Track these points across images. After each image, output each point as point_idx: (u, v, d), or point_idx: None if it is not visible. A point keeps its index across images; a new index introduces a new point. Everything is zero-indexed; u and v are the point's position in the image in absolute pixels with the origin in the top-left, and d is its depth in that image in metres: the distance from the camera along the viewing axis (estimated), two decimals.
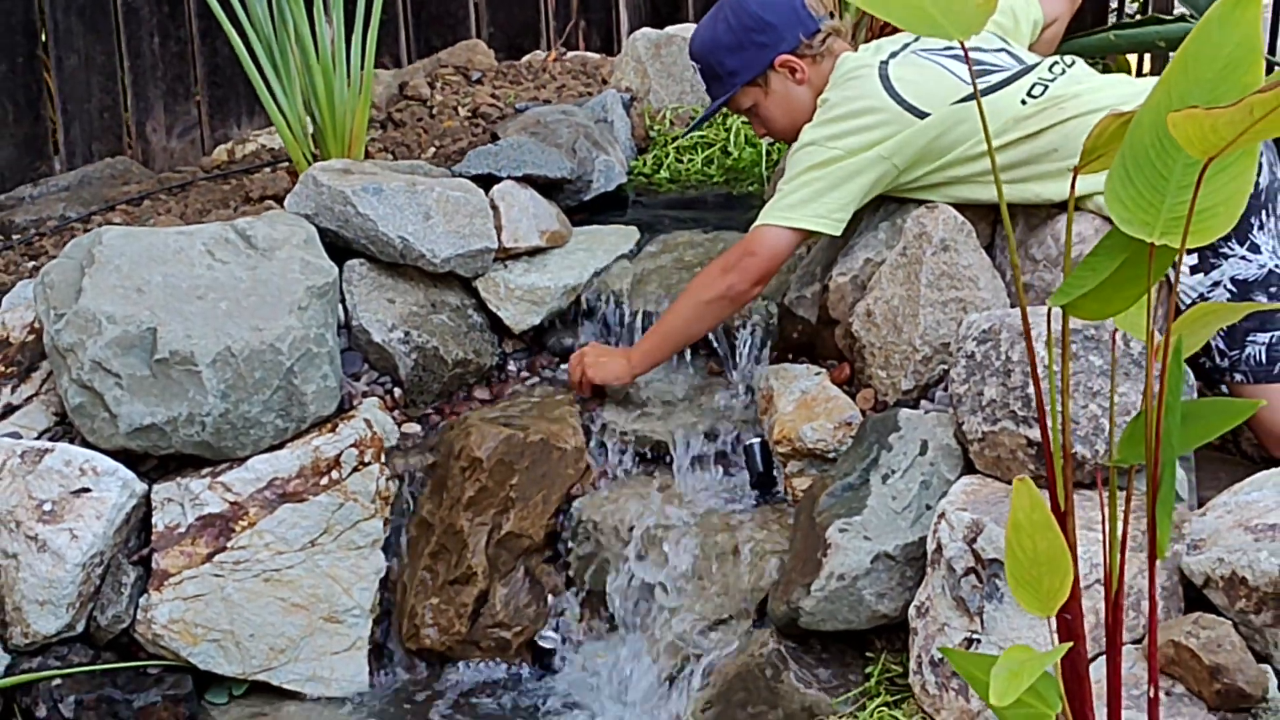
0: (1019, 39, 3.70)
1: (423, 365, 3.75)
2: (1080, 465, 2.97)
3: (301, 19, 4.03)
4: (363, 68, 4.16)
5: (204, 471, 3.51)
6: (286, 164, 4.39)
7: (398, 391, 3.78)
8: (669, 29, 4.76)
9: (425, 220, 3.74)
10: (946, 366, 3.35)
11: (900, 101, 3.37)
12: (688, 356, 3.78)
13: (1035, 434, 2.97)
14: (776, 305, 3.68)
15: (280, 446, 3.55)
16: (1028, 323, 2.38)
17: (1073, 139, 3.29)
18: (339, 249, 3.78)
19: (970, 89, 3.36)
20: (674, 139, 4.44)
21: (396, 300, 3.78)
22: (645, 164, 4.45)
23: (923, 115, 3.36)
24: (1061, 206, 3.35)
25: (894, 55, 3.49)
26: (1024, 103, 3.36)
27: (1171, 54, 3.92)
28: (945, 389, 3.33)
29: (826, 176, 3.37)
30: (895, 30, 3.83)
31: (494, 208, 3.87)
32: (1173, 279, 2.90)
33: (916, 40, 3.54)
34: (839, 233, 3.42)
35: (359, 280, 3.78)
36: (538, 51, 5.28)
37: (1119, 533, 2.31)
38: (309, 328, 3.55)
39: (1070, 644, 2.30)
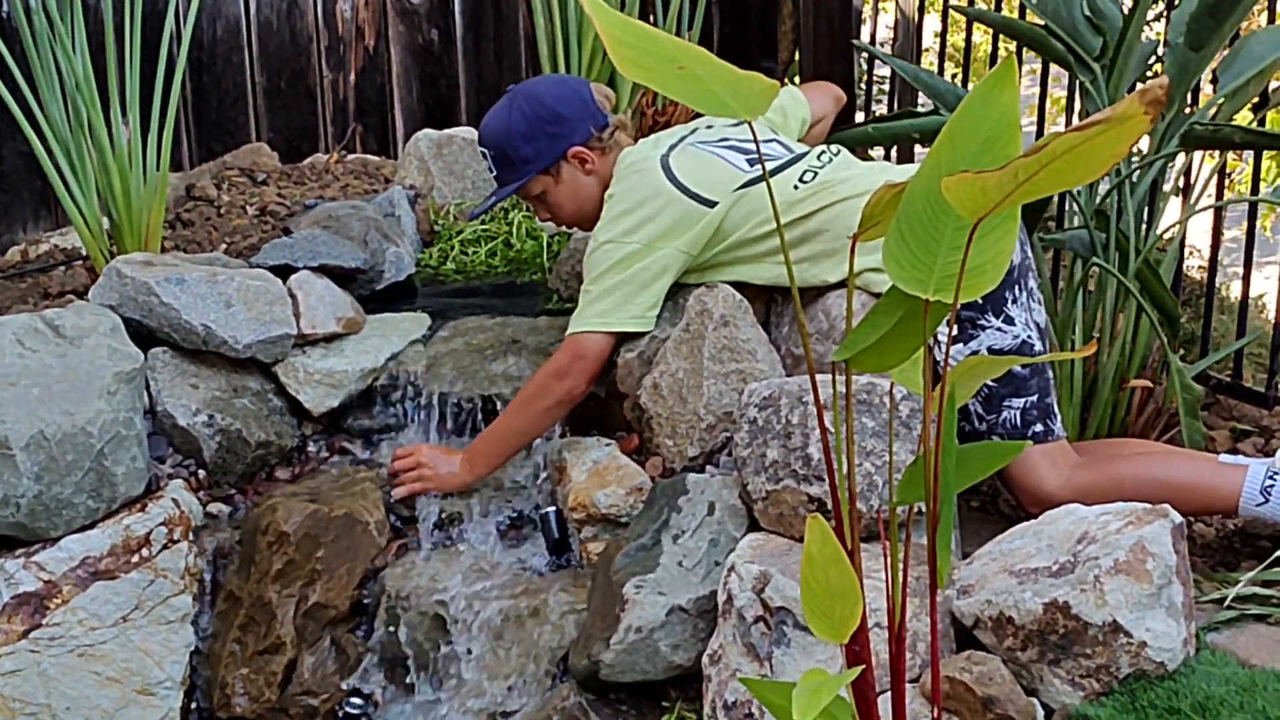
0: (788, 134, 3.93)
1: (226, 447, 3.82)
2: (858, 519, 3.13)
3: (98, 119, 4.10)
4: (158, 167, 4.23)
5: (18, 552, 3.53)
6: (83, 260, 4.43)
7: (202, 473, 3.83)
8: (448, 130, 4.92)
9: (227, 308, 3.82)
10: (729, 433, 3.52)
11: (686, 191, 3.55)
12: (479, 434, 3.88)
13: (815, 490, 3.13)
14: None
15: (92, 526, 3.59)
16: (815, 380, 2.54)
17: (841, 220, 3.50)
18: (143, 337, 3.84)
19: (746, 176, 3.57)
20: (459, 232, 4.58)
21: (200, 385, 3.85)
22: (432, 256, 4.58)
23: (709, 203, 3.55)
24: (834, 285, 3.55)
25: (673, 148, 3.67)
26: (796, 188, 3.56)
27: (924, 146, 4.17)
28: (729, 454, 3.49)
29: (633, 278, 3.54)
30: (669, 124, 4.04)
31: (292, 296, 3.96)
32: (945, 340, 3.09)
33: (693, 133, 3.73)
34: (653, 328, 3.60)
35: (163, 367, 3.84)
36: (319, 154, 5.39)
37: (899, 574, 2.48)
38: (118, 411, 3.60)
39: (862, 666, 2.46)
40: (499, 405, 3.83)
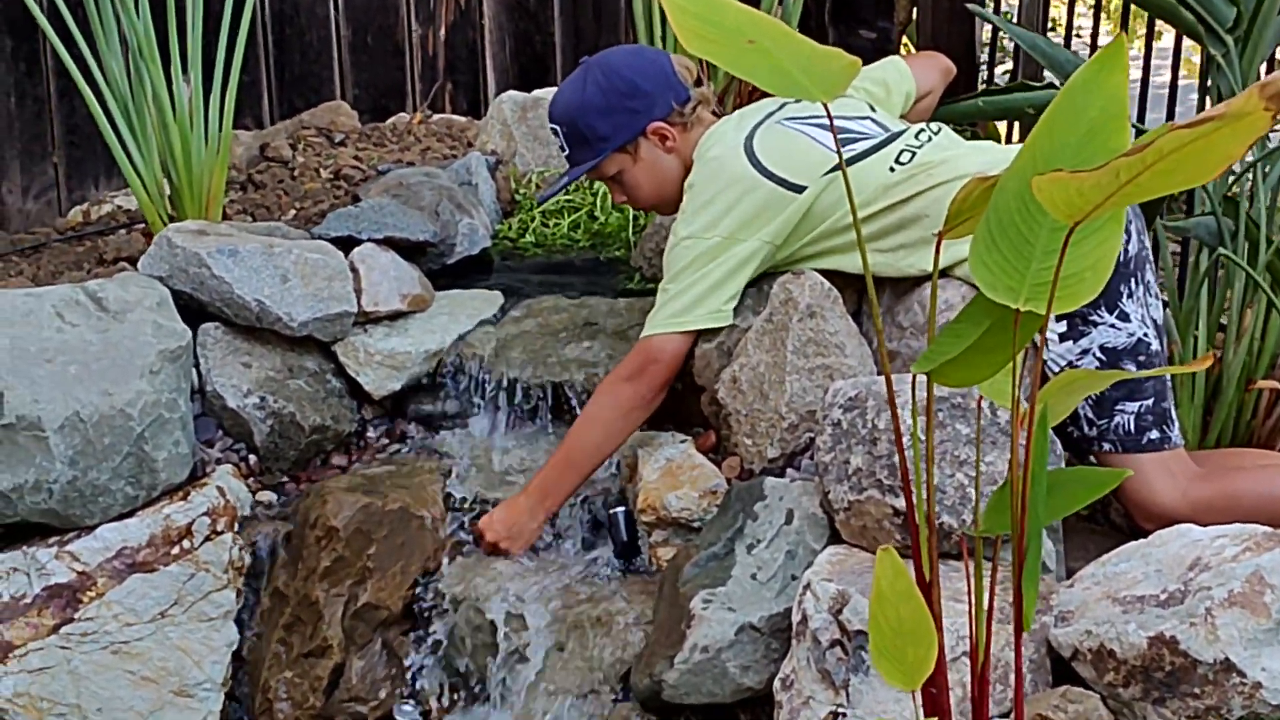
0: (890, 109, 3.70)
1: (279, 432, 3.67)
2: (947, 536, 2.94)
3: (159, 78, 3.95)
4: (221, 128, 4.07)
5: (50, 540, 3.40)
6: (142, 225, 4.29)
7: (253, 459, 3.69)
8: (535, 92, 4.73)
9: (283, 283, 3.66)
10: (813, 434, 3.32)
11: (770, 176, 3.34)
12: (548, 424, 3.71)
13: (902, 503, 2.93)
14: None
15: (130, 515, 3.44)
16: (892, 390, 2.34)
17: (941, 205, 3.26)
18: (193, 312, 3.69)
19: (837, 157, 3.34)
20: (540, 203, 4.38)
21: (252, 365, 3.70)
22: (510, 228, 4.40)
23: (796, 188, 3.34)
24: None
25: (758, 126, 3.46)
26: (892, 170, 3.34)
27: None
28: (811, 457, 3.29)
29: (712, 271, 3.35)
30: (764, 94, 3.82)
31: (354, 270, 3.80)
32: (1039, 344, 2.88)
33: (781, 109, 3.52)
34: (731, 321, 3.40)
35: (214, 344, 3.69)
36: (402, 114, 5.22)
37: (985, 604, 2.27)
38: (161, 393, 3.46)
39: (935, 719, 2.26)
40: (570, 393, 3.66)
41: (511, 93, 4.69)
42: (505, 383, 3.73)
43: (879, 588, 2.24)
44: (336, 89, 5.44)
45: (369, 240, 3.87)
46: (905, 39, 5.84)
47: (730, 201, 3.33)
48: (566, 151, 3.61)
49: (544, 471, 3.45)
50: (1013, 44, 5.80)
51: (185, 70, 4.03)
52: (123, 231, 4.36)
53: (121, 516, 3.44)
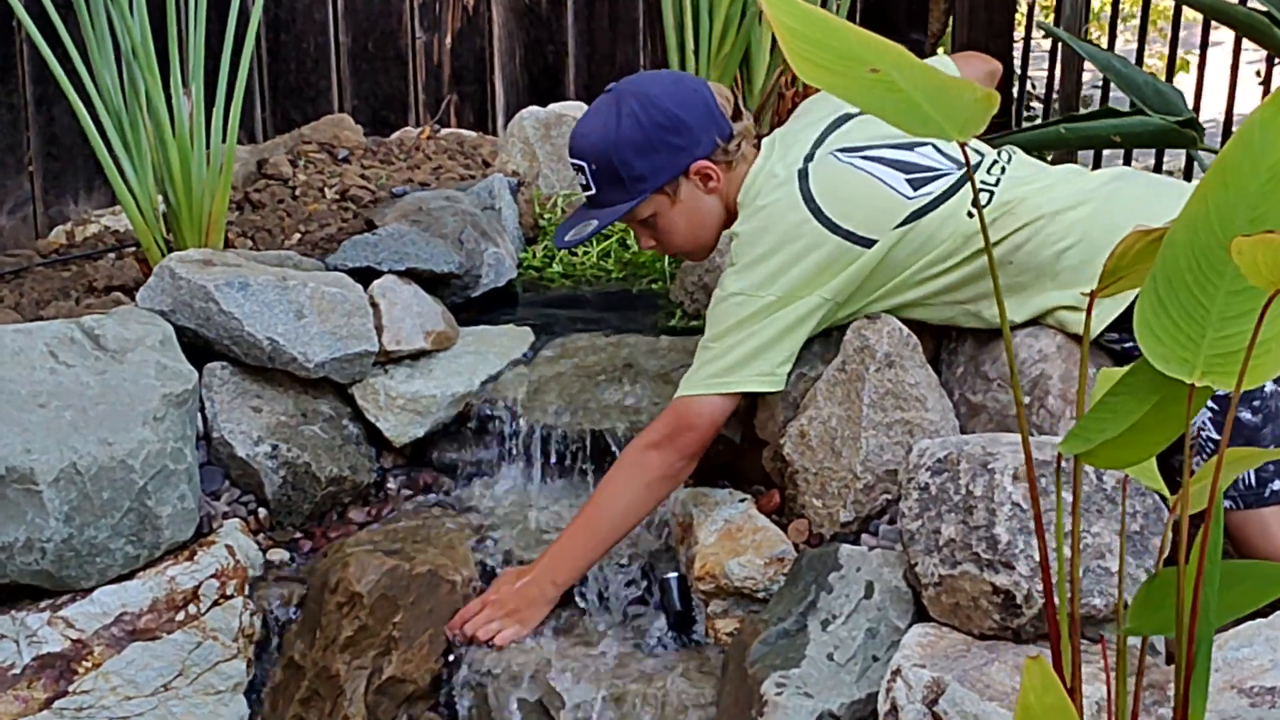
0: None
1: (292, 483, 3.41)
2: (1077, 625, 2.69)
3: (156, 88, 3.68)
4: (224, 143, 3.80)
5: (43, 604, 3.13)
6: (134, 248, 4.02)
7: (263, 512, 3.43)
8: (556, 107, 4.48)
9: (298, 319, 3.40)
10: (891, 496, 3.08)
11: (836, 229, 3.06)
12: (589, 475, 3.45)
13: (1001, 579, 2.70)
14: None
15: (130, 576, 3.18)
16: (1030, 458, 2.09)
17: (1028, 250, 3.06)
18: (198, 350, 3.43)
19: (911, 205, 3.09)
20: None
21: (263, 409, 3.44)
22: (535, 256, 4.14)
23: (865, 242, 3.06)
24: (1018, 324, 3.10)
25: (810, 159, 3.17)
26: (970, 215, 3.07)
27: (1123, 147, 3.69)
28: (890, 522, 3.06)
29: (764, 329, 3.07)
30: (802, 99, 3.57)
31: (374, 305, 3.54)
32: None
33: (832, 129, 3.24)
34: (784, 387, 3.14)
35: (221, 386, 3.43)
36: (409, 128, 4.96)
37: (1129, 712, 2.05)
38: (165, 441, 3.20)
39: None
40: (611, 441, 3.41)
41: (533, 109, 4.43)
42: (540, 430, 3.48)
43: (1026, 701, 1.98)
44: (335, 99, 5.19)
45: (389, 272, 3.62)
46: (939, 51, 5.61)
47: (789, 257, 3.05)
48: (593, 191, 3.26)
49: (559, 542, 3.19)
50: (1047, 58, 5.59)
51: (186, 82, 3.77)
52: (112, 255, 4.08)
53: (121, 578, 3.18)
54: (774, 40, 4.89)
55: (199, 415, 3.39)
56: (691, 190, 3.22)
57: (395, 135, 4.85)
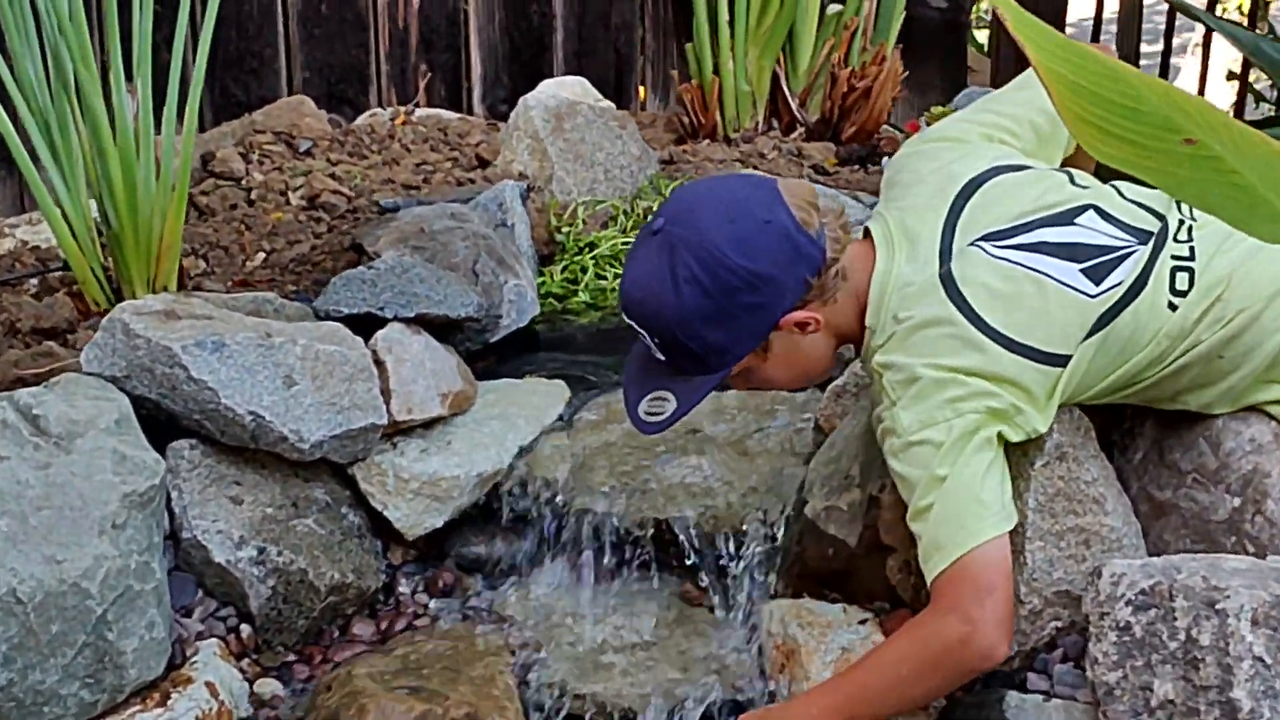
0: (1054, 150, 2.82)
1: (284, 595, 2.85)
2: None
3: (93, 86, 3.09)
4: (177, 154, 3.21)
5: None
6: (60, 269, 3.41)
7: (246, 629, 2.86)
8: (568, 93, 3.89)
9: (287, 388, 2.83)
10: (1061, 624, 2.54)
11: (1008, 344, 2.43)
12: (654, 580, 2.89)
13: None
14: (792, 513, 2.81)
15: None
16: None
17: (1242, 342, 2.49)
18: (160, 424, 2.86)
19: (1097, 305, 2.48)
20: (590, 244, 3.54)
21: (244, 499, 2.87)
22: (554, 279, 3.58)
23: (1055, 360, 2.44)
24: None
25: (947, 257, 2.54)
26: (1173, 308, 2.48)
27: None
28: (1066, 660, 2.52)
29: (987, 462, 2.44)
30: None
31: (378, 363, 2.98)
32: None
33: (955, 214, 2.60)
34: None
35: (190, 471, 2.85)
36: (377, 110, 4.35)
37: None
38: (128, 555, 2.63)
39: None
40: (681, 533, 2.89)
41: (540, 95, 3.88)
42: (590, 519, 2.96)
43: None
44: (283, 71, 4.69)
45: (395, 319, 3.02)
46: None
47: (966, 392, 2.43)
48: (663, 359, 2.62)
49: (838, 680, 2.56)
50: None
51: (129, 77, 3.18)
52: (35, 282, 3.45)
53: None
54: (822, 10, 4.35)
55: (165, 509, 2.79)
56: (787, 339, 2.60)
57: (364, 120, 4.29)
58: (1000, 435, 2.44)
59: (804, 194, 2.55)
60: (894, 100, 4.44)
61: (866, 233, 2.63)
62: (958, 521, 2.40)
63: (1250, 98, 5.65)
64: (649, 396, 2.60)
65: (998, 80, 5.81)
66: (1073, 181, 2.61)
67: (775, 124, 4.56)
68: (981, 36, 7.39)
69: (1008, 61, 5.68)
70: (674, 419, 2.58)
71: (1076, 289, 2.46)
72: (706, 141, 4.43)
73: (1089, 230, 2.53)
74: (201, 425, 2.84)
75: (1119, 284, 2.46)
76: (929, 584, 2.42)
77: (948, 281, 2.47)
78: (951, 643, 2.38)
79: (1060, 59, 1.49)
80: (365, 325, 3.04)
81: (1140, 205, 2.58)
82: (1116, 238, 2.52)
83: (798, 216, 2.50)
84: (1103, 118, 1.46)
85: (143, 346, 2.82)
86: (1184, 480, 2.62)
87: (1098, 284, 2.46)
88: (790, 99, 4.43)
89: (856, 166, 4.17)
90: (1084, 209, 2.56)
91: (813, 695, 2.51)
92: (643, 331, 2.55)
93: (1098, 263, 2.48)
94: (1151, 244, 2.51)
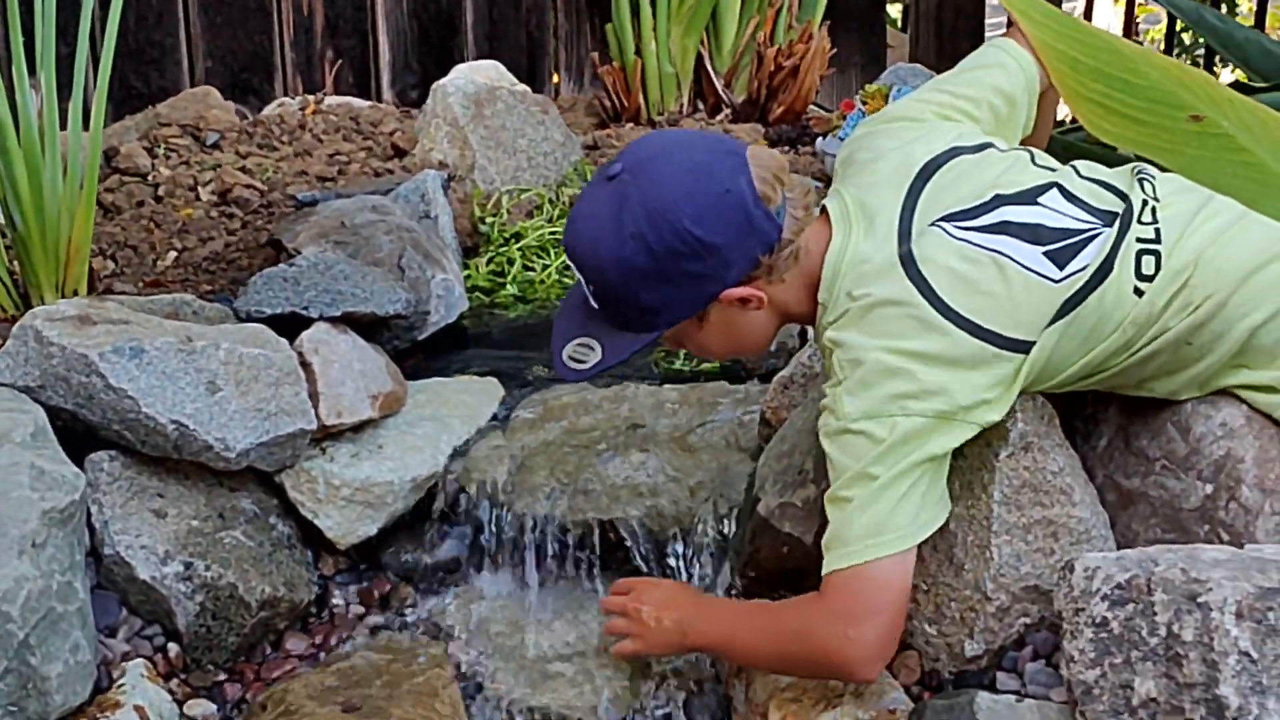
0: (1015, 125, 2.74)
1: (213, 611, 2.73)
2: None
3: None
4: (84, 152, 3.08)
5: None
6: None
7: (174, 648, 2.74)
8: (483, 78, 3.78)
9: (210, 394, 2.72)
10: (1030, 620, 2.48)
11: (970, 328, 2.36)
12: (599, 584, 2.80)
13: None
14: (742, 510, 2.73)
15: None
16: None
17: (1209, 328, 2.42)
18: (77, 435, 2.74)
19: (1062, 290, 2.41)
20: (515, 235, 3.43)
21: (168, 512, 2.75)
22: (479, 272, 3.47)
23: (1017, 346, 2.36)
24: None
25: (907, 237, 2.46)
26: (1139, 293, 2.41)
27: None
28: (1037, 657, 2.45)
29: (921, 473, 2.38)
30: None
31: (304, 365, 2.87)
32: None
33: (916, 192, 2.51)
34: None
35: (110, 484, 2.73)
36: (285, 99, 4.23)
37: None
38: (50, 576, 2.51)
39: None
40: (626, 534, 2.80)
41: (457, 78, 3.77)
42: (533, 522, 2.84)
43: None
44: (184, 61, 4.49)
45: (320, 318, 2.91)
46: None
47: (925, 384, 2.36)
48: (595, 306, 2.53)
49: (727, 605, 2.67)
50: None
51: (33, 71, 3.03)
52: None
53: None
54: None
55: (84, 525, 2.68)
56: (727, 311, 2.50)
57: (272, 110, 4.16)
58: (942, 455, 2.38)
59: (773, 166, 2.45)
60: (821, 79, 4.37)
61: (824, 211, 2.54)
62: (874, 528, 2.34)
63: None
64: (576, 341, 2.51)
65: (916, 56, 5.77)
66: (1034, 161, 2.54)
67: (701, 106, 4.47)
68: (894, 11, 7.34)
69: (926, 37, 5.64)
70: (595, 370, 2.50)
71: (1040, 274, 2.39)
72: (630, 125, 4.34)
73: (1052, 212, 2.45)
74: (121, 436, 2.72)
75: (1084, 268, 2.39)
76: (824, 569, 2.39)
77: (908, 262, 2.39)
78: (827, 647, 2.38)
79: (1057, 34, 1.41)
80: (289, 326, 2.92)
81: (1102, 184, 2.51)
82: (1080, 220, 2.45)
83: (760, 190, 2.40)
84: (1104, 94, 1.39)
85: (57, 354, 2.70)
86: (1152, 467, 2.55)
87: (1061, 268, 2.39)
88: (716, 79, 4.35)
89: (786, 148, 4.09)
90: (1047, 187, 2.49)
91: (719, 611, 2.61)
92: (580, 276, 2.47)
93: (1062, 246, 2.41)
94: (1117, 226, 2.44)
